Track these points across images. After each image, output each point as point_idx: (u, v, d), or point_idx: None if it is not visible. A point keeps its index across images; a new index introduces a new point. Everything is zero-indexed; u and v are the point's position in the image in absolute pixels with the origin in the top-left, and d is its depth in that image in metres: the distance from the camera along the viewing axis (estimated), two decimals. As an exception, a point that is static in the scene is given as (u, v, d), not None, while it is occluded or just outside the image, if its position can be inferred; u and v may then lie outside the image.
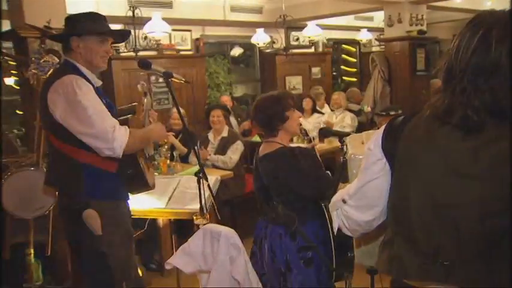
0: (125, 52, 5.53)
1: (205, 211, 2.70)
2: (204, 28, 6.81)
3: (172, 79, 2.50)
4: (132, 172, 2.28)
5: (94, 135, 2.06)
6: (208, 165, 4.67)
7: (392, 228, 1.32)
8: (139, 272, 3.07)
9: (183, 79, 2.58)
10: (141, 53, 5.66)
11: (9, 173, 2.47)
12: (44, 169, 2.53)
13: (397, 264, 1.29)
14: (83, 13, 2.24)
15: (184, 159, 4.79)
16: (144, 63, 2.38)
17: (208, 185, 2.65)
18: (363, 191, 1.37)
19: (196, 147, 2.60)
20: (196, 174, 2.63)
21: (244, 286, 1.74)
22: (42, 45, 2.51)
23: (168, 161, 4.22)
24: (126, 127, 2.17)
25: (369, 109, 6.07)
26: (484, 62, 1.15)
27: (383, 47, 7.20)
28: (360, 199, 1.39)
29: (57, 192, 2.59)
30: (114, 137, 2.07)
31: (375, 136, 1.34)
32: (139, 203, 3.13)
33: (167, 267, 1.91)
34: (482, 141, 1.14)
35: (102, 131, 2.06)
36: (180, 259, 1.84)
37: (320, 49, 8.31)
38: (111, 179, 2.23)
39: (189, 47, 6.64)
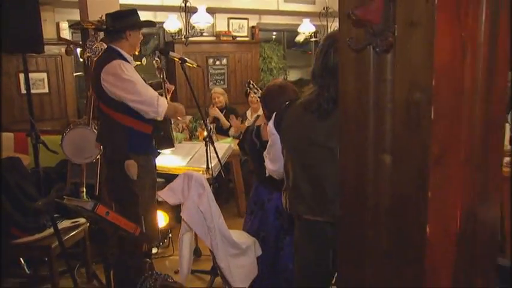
0: (184, 37, 6.31)
1: (209, 168, 3.43)
2: (260, 17, 7.44)
3: (187, 63, 3.21)
4: (164, 134, 3.00)
5: (143, 101, 2.77)
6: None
7: (285, 179, 1.95)
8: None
9: (195, 64, 3.28)
10: (199, 38, 6.45)
11: (68, 130, 3.35)
12: (93, 128, 3.37)
13: (289, 203, 1.93)
14: (128, 10, 2.99)
15: (225, 132, 5.53)
16: (164, 51, 3.12)
17: (215, 148, 3.36)
18: (269, 150, 2.04)
19: (205, 121, 3.23)
20: (204, 139, 3.35)
21: (206, 215, 2.43)
22: (95, 35, 3.33)
23: (205, 132, 4.95)
24: (165, 98, 2.89)
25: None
26: (327, 66, 1.74)
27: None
28: (269, 155, 2.05)
29: (102, 147, 3.39)
30: (159, 103, 2.78)
31: (273, 116, 1.97)
32: (168, 161, 3.92)
33: (159, 198, 2.64)
34: (331, 123, 1.73)
35: (150, 98, 2.77)
36: (167, 194, 2.56)
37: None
38: (146, 138, 2.94)
39: (245, 34, 7.33)
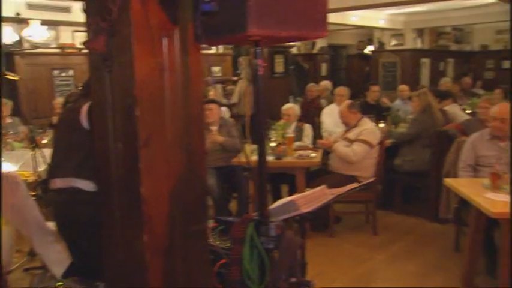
0: (27, 49, 6.41)
1: (35, 172, 3.75)
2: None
3: (7, 76, 3.52)
4: None
5: None
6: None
7: None
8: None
9: (16, 77, 3.61)
10: (44, 50, 6.61)
11: None
12: None
13: None
14: None
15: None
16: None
17: (41, 153, 3.69)
18: None
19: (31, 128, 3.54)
20: (31, 144, 3.66)
21: (21, 208, 2.79)
22: None
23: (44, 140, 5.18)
24: None
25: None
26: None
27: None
28: None
29: None
30: None
31: None
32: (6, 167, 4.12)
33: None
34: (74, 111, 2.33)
35: None
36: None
37: (221, 50, 9.37)
38: None
39: (91, 46, 7.57)
